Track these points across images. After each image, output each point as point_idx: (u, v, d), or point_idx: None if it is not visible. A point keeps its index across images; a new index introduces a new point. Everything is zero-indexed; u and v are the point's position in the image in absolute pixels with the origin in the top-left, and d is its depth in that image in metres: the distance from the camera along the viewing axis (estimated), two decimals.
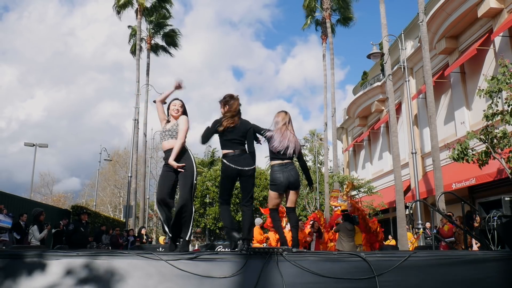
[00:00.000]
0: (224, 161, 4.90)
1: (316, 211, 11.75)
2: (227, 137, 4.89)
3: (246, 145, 5.01)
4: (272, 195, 5.13)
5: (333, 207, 9.98)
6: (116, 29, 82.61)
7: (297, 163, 5.42)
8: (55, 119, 73.40)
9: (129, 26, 28.03)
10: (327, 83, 26.94)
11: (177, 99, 5.23)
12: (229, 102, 4.97)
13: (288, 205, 5.25)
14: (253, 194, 5.19)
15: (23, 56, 78.21)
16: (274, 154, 5.08)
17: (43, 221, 11.06)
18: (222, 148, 4.97)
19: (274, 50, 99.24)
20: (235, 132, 4.90)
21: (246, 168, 4.87)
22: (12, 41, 76.61)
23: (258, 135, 5.18)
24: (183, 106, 5.17)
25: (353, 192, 19.62)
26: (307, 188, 32.00)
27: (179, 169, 4.82)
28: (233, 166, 4.84)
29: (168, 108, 5.22)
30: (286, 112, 5.22)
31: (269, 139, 5.08)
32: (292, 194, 5.14)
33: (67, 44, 76.31)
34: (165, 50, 28.69)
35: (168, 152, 4.94)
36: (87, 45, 78.79)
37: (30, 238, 10.51)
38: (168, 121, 5.15)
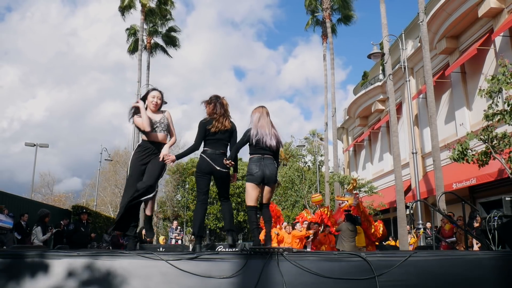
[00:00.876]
0: (203, 155, 4.92)
1: (303, 211, 11.63)
2: (214, 136, 4.91)
3: (229, 146, 5.05)
4: (248, 186, 4.98)
5: (340, 203, 9.87)
6: (118, 29, 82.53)
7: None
8: (57, 119, 73.47)
9: (127, 29, 28.00)
10: (327, 83, 26.96)
11: (155, 89, 5.16)
12: (215, 102, 4.98)
13: (264, 201, 5.14)
14: (229, 192, 5.28)
15: (25, 57, 78.34)
16: (253, 149, 4.99)
17: (47, 223, 11.06)
18: (205, 145, 4.97)
19: (276, 50, 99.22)
20: (224, 132, 4.94)
21: (220, 169, 4.88)
22: (14, 41, 76.71)
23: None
24: (161, 98, 5.13)
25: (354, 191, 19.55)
26: (307, 188, 32.03)
27: (165, 161, 4.93)
28: (209, 161, 4.87)
29: (145, 98, 5.12)
30: (262, 107, 5.17)
31: (247, 134, 5.00)
32: (266, 190, 5.05)
33: (70, 45, 76.40)
34: (164, 50, 28.69)
35: (159, 144, 5.01)
36: (89, 45, 78.83)
37: (33, 239, 10.51)
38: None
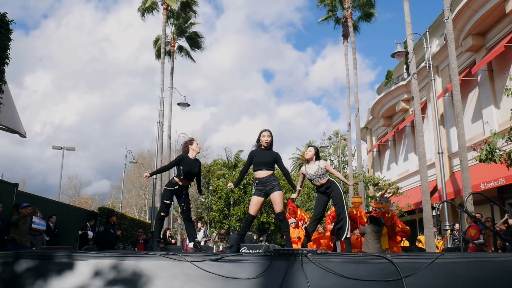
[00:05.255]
0: None
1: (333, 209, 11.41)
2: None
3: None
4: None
5: (374, 209, 9.67)
6: (149, 34, 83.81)
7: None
8: (88, 123, 74.99)
9: (155, 40, 28.25)
10: (349, 82, 26.70)
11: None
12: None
13: (255, 213, 5.76)
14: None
15: (58, 62, 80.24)
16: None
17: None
18: None
19: (304, 51, 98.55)
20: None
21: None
22: (48, 48, 78.67)
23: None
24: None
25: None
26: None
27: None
28: None
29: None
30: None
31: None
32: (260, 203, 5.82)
33: (102, 50, 77.81)
34: (188, 54, 28.89)
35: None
36: (120, 50, 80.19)
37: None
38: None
